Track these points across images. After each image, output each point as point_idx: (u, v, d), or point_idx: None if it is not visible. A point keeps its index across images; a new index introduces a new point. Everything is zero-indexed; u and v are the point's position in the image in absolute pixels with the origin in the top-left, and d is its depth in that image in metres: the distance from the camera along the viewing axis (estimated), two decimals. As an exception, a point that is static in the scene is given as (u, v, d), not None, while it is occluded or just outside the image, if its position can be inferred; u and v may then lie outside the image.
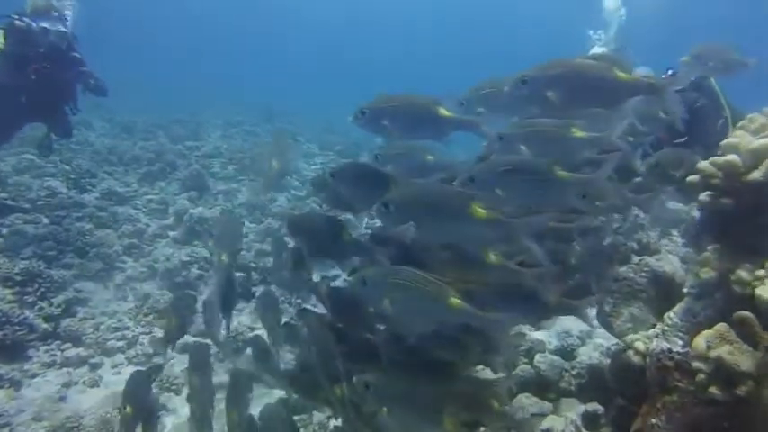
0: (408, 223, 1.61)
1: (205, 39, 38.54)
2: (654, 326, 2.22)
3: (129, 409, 2.18)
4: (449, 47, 40.87)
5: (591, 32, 5.25)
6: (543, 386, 2.35)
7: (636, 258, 2.38)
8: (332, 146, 11.18)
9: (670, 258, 2.39)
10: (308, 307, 2.25)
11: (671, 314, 1.45)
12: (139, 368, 3.23)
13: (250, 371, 2.61)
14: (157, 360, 4.39)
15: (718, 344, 1.19)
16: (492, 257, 1.60)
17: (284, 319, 2.68)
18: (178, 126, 10.31)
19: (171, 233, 6.17)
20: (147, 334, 4.60)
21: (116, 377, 3.97)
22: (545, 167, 1.53)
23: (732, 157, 1.25)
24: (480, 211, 1.47)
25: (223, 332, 2.73)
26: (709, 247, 1.82)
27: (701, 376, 1.22)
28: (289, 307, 4.60)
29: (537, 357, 2.43)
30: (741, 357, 1.14)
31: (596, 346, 2.96)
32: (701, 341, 1.24)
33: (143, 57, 29.37)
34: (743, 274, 1.23)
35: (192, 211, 6.34)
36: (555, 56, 1.59)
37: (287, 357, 3.23)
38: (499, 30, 37.05)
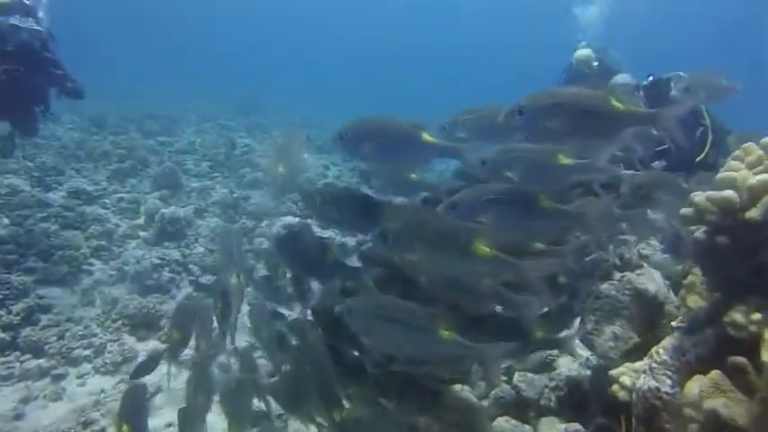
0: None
1: (186, 33, 37.58)
2: (636, 345, 2.19)
3: (125, 427, 2.09)
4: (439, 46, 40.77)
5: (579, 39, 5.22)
6: (523, 407, 2.28)
7: (618, 275, 2.32)
8: (280, 142, 10.99)
9: (652, 274, 2.34)
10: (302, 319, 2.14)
11: (660, 350, 1.38)
12: (136, 382, 3.05)
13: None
14: (131, 369, 4.22)
15: (712, 393, 1.11)
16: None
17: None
18: (151, 121, 9.97)
19: (142, 233, 5.94)
20: (115, 341, 4.41)
21: (81, 389, 3.78)
22: (531, 198, 1.48)
23: (729, 194, 1.17)
24: (483, 249, 1.40)
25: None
26: (695, 268, 1.76)
27: (693, 425, 1.14)
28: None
29: (516, 377, 2.35)
30: (737, 411, 1.07)
31: (575, 357, 2.90)
32: (694, 388, 1.16)
33: (130, 51, 28.36)
34: (738, 317, 1.15)
35: (164, 210, 6.11)
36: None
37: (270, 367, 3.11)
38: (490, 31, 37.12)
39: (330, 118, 13.67)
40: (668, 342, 1.39)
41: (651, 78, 4.34)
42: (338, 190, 2.04)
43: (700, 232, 1.26)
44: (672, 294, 2.28)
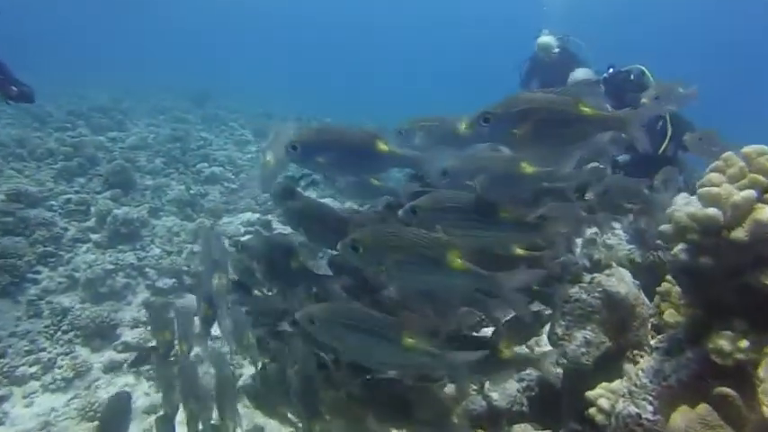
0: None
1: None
2: (608, 350, 2.12)
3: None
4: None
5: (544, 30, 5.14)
6: (495, 417, 2.19)
7: (587, 277, 2.24)
8: (268, 132, 10.63)
9: (622, 274, 2.27)
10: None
11: (639, 373, 1.30)
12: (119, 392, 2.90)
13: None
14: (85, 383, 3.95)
15: (699, 431, 1.02)
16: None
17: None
18: (100, 114, 9.41)
19: (93, 237, 5.58)
20: (66, 354, 4.12)
21: (27, 410, 3.50)
22: (491, 210, 1.44)
23: (713, 212, 1.08)
24: (457, 261, 1.36)
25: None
26: (669, 276, 1.69)
27: (681, 461, 1.06)
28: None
29: (487, 385, 2.27)
30: (728, 449, 0.98)
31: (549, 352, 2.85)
32: (679, 422, 1.07)
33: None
34: (723, 343, 1.07)
35: (116, 211, 5.76)
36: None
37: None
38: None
39: (292, 108, 13.36)
40: (648, 364, 1.31)
41: (611, 70, 4.30)
42: (304, 205, 1.92)
43: (680, 251, 1.17)
44: (642, 295, 2.22)
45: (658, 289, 1.70)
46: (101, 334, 4.36)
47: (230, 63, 27.85)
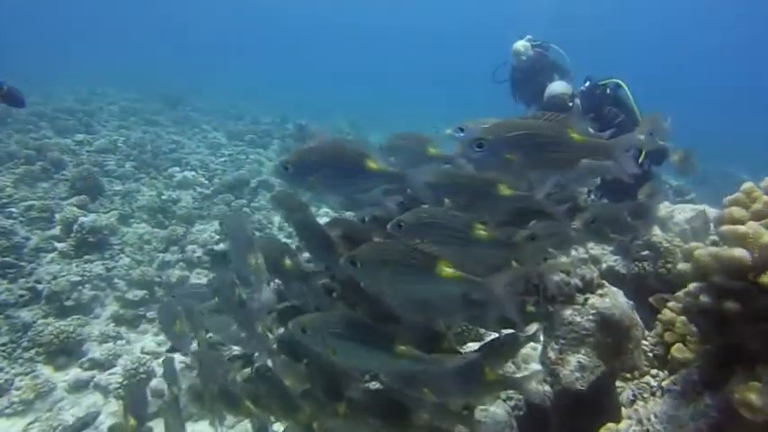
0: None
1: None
2: (603, 373, 2.03)
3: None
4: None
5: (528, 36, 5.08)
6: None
7: (580, 298, 2.15)
8: (241, 135, 10.35)
9: (615, 295, 2.19)
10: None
11: (652, 417, 1.19)
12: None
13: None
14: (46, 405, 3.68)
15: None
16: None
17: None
18: (66, 116, 8.96)
19: (58, 245, 5.25)
20: (26, 374, 3.83)
21: (-16, 438, 3.23)
22: (465, 226, 1.50)
23: (740, 254, 0.98)
24: (447, 270, 1.42)
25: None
26: (671, 304, 1.60)
27: None
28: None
29: (477, 413, 2.15)
30: None
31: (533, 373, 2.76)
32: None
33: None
34: (753, 397, 0.97)
35: (82, 219, 5.45)
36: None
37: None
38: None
39: (263, 110, 13.04)
40: (660, 408, 1.20)
41: (588, 83, 4.26)
42: (302, 222, 1.94)
43: (701, 292, 1.07)
44: (636, 316, 2.15)
45: (661, 317, 1.61)
46: (66, 351, 4.08)
47: (203, 63, 27.15)
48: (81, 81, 12.65)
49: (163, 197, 6.50)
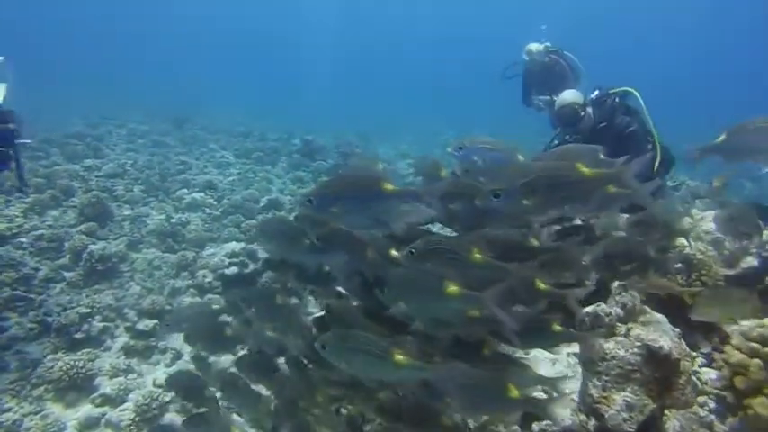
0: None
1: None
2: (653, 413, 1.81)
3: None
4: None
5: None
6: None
7: (622, 328, 1.93)
8: (249, 153, 10.20)
9: (660, 323, 1.97)
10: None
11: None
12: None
13: None
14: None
15: None
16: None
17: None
18: (75, 141, 8.84)
19: (67, 275, 5.09)
20: (36, 414, 3.64)
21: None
22: (465, 251, 1.68)
23: None
24: (453, 288, 1.60)
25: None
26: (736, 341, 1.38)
27: None
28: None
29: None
30: None
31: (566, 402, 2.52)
32: None
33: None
34: None
35: (92, 246, 5.28)
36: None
37: None
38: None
39: (269, 127, 12.88)
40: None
41: (597, 92, 4.09)
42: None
43: None
44: (684, 345, 1.92)
45: (727, 357, 1.40)
46: (76, 386, 3.88)
47: (210, 81, 27.19)
48: (88, 106, 12.58)
49: (172, 220, 6.33)
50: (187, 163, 8.78)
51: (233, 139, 11.31)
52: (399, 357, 1.59)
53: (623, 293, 1.98)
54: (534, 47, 5.25)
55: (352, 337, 1.68)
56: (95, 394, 3.88)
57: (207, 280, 5.14)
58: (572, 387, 2.38)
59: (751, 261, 2.58)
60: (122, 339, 4.44)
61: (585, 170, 1.62)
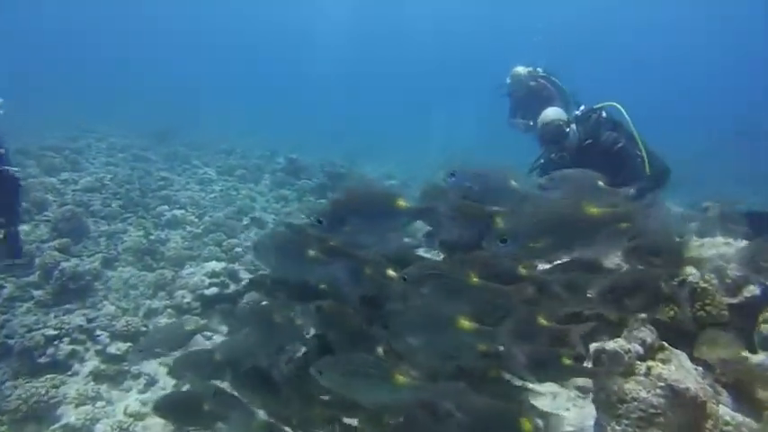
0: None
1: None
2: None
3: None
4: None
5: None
6: None
7: (642, 367, 1.77)
8: (232, 170, 9.94)
9: (681, 360, 1.81)
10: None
11: None
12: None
13: None
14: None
15: None
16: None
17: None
18: (52, 153, 8.46)
19: (35, 293, 4.74)
20: (-7, 446, 3.30)
21: None
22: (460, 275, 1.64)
23: None
24: (465, 323, 1.56)
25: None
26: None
27: None
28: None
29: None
30: None
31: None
32: None
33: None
34: None
35: (64, 263, 4.94)
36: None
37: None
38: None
39: (252, 144, 12.62)
40: None
41: (582, 108, 4.05)
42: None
43: None
44: (707, 385, 1.77)
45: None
46: (35, 416, 3.54)
47: (194, 96, 26.78)
48: (68, 116, 12.18)
49: (151, 237, 6.03)
50: (168, 179, 8.48)
51: (216, 156, 11.03)
52: (400, 378, 1.55)
53: (642, 328, 1.82)
54: (520, 70, 5.21)
55: (349, 362, 1.62)
56: (57, 425, 3.54)
57: (185, 300, 4.85)
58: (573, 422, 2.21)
59: (753, 290, 2.47)
60: (92, 363, 4.11)
61: (593, 209, 1.59)
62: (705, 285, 2.54)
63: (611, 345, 1.77)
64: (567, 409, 2.53)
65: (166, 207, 7.03)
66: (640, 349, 1.78)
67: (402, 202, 1.73)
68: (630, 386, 1.71)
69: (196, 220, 6.91)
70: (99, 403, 3.77)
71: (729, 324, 2.31)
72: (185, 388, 2.25)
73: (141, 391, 4.00)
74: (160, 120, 13.29)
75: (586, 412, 2.23)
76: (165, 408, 2.14)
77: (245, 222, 7.22)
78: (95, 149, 9.74)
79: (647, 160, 3.79)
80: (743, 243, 2.65)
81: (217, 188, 8.64)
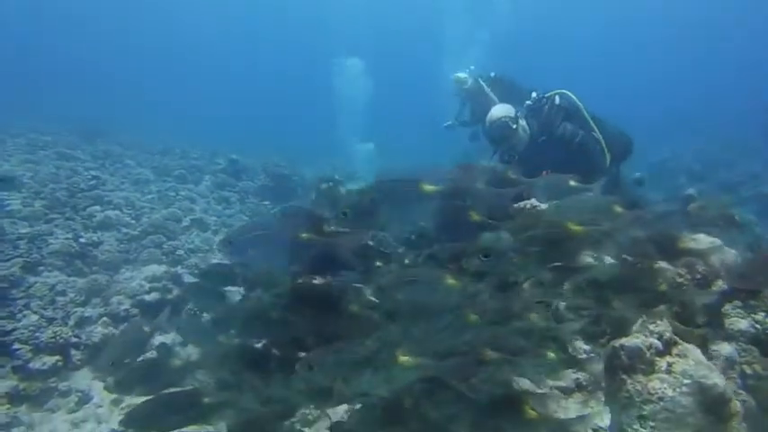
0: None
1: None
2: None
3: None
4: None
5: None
6: None
7: (662, 363, 1.62)
8: (169, 170, 9.18)
9: (692, 351, 1.68)
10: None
11: None
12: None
13: None
14: None
15: None
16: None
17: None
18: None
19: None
20: None
21: None
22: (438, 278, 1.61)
23: None
24: (472, 317, 1.58)
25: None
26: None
27: None
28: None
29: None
30: None
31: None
32: None
33: None
34: None
35: (-27, 269, 4.19)
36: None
37: None
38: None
39: (190, 144, 11.77)
40: None
41: (534, 95, 3.95)
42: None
43: None
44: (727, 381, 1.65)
45: None
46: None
47: (124, 94, 24.72)
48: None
49: (81, 240, 5.31)
50: (100, 178, 7.62)
51: (152, 156, 10.17)
52: (404, 359, 1.50)
53: (657, 322, 1.68)
54: (459, 76, 5.10)
55: (345, 351, 1.55)
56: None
57: (123, 307, 4.27)
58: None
59: (721, 285, 2.45)
60: (7, 383, 3.46)
61: (576, 227, 1.62)
62: (681, 280, 2.47)
63: (631, 341, 1.61)
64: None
65: (98, 208, 6.27)
66: (659, 344, 1.63)
67: (428, 186, 1.73)
68: (654, 384, 1.55)
69: (133, 221, 6.22)
70: (14, 430, 3.15)
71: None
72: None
73: (71, 411, 3.42)
74: (89, 117, 12.10)
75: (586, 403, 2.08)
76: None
77: (184, 224, 6.61)
78: (12, 145, 8.61)
79: (605, 148, 3.74)
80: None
81: (154, 189, 7.90)
